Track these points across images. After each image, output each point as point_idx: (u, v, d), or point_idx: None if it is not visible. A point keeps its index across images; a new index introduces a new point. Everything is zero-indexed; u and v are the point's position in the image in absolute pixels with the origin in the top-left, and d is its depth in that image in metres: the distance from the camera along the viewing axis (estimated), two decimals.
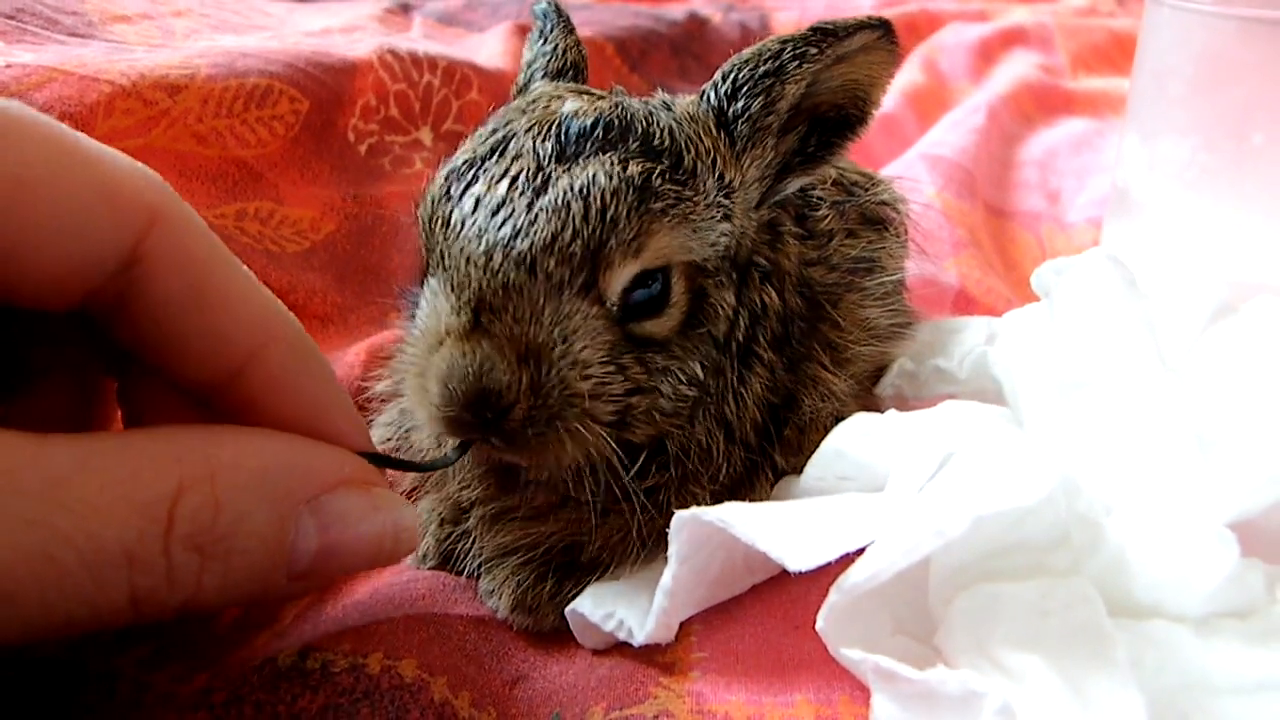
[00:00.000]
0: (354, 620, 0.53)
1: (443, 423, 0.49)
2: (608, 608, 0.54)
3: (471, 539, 0.58)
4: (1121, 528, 0.49)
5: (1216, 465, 0.51)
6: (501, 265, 0.48)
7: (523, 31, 1.43)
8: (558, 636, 0.57)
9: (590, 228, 0.48)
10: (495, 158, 0.51)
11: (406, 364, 0.52)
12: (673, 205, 0.51)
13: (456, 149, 0.56)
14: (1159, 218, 0.94)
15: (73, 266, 0.37)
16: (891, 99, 1.44)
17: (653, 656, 0.54)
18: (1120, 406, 0.56)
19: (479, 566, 0.59)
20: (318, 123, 0.99)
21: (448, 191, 0.51)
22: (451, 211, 0.50)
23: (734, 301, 0.55)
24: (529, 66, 0.64)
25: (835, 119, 0.57)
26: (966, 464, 0.50)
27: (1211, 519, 0.48)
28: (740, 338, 0.56)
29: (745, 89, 0.53)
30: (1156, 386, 0.56)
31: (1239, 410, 0.53)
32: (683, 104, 0.56)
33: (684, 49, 1.59)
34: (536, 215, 0.48)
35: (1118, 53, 1.73)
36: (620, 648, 0.55)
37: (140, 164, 0.39)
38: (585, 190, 0.48)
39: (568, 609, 0.55)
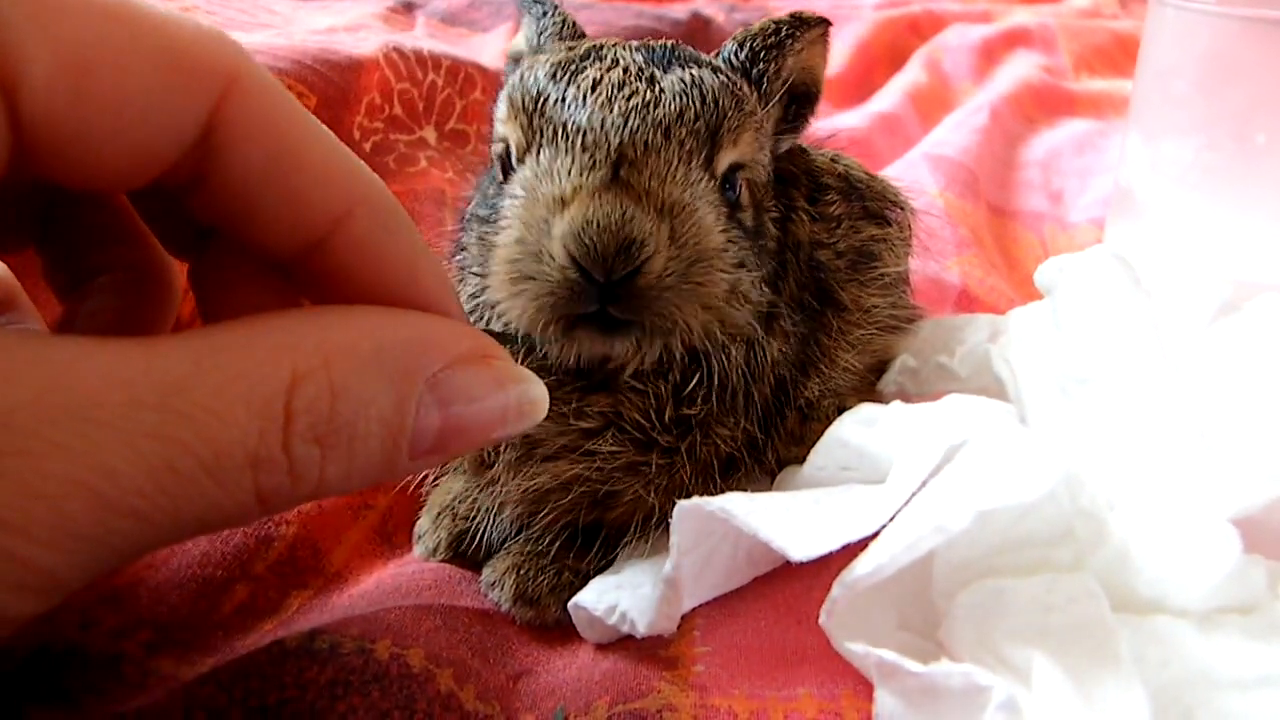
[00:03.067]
0: (361, 609, 0.53)
1: (565, 291, 0.48)
2: (610, 600, 0.54)
3: (500, 488, 0.57)
4: (1125, 523, 0.50)
5: (1219, 461, 0.51)
6: (640, 127, 0.49)
7: None
8: (561, 631, 0.57)
9: (709, 111, 0.52)
10: (592, 60, 0.53)
11: (505, 243, 0.50)
12: (752, 115, 0.55)
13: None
14: (1162, 218, 0.94)
15: (147, 144, 0.35)
16: (894, 99, 1.44)
17: (656, 651, 0.54)
18: (1123, 403, 0.56)
19: (507, 522, 0.59)
20: (325, 120, 0.97)
21: (554, 75, 0.52)
22: (567, 90, 0.51)
23: (775, 232, 0.59)
24: (539, 35, 0.64)
25: (802, 94, 0.63)
26: (970, 459, 0.50)
27: (1214, 515, 0.48)
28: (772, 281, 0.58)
29: (761, 55, 0.59)
30: (1159, 383, 0.56)
31: (1241, 407, 0.54)
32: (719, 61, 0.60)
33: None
34: (660, 94, 0.51)
35: (1120, 54, 1.74)
36: (624, 642, 0.55)
37: (209, 25, 0.36)
38: (698, 83, 0.52)
39: (571, 603, 0.55)
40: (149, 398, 0.31)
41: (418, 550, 0.63)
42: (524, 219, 0.49)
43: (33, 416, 0.29)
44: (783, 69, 0.59)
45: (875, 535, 0.48)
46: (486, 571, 0.59)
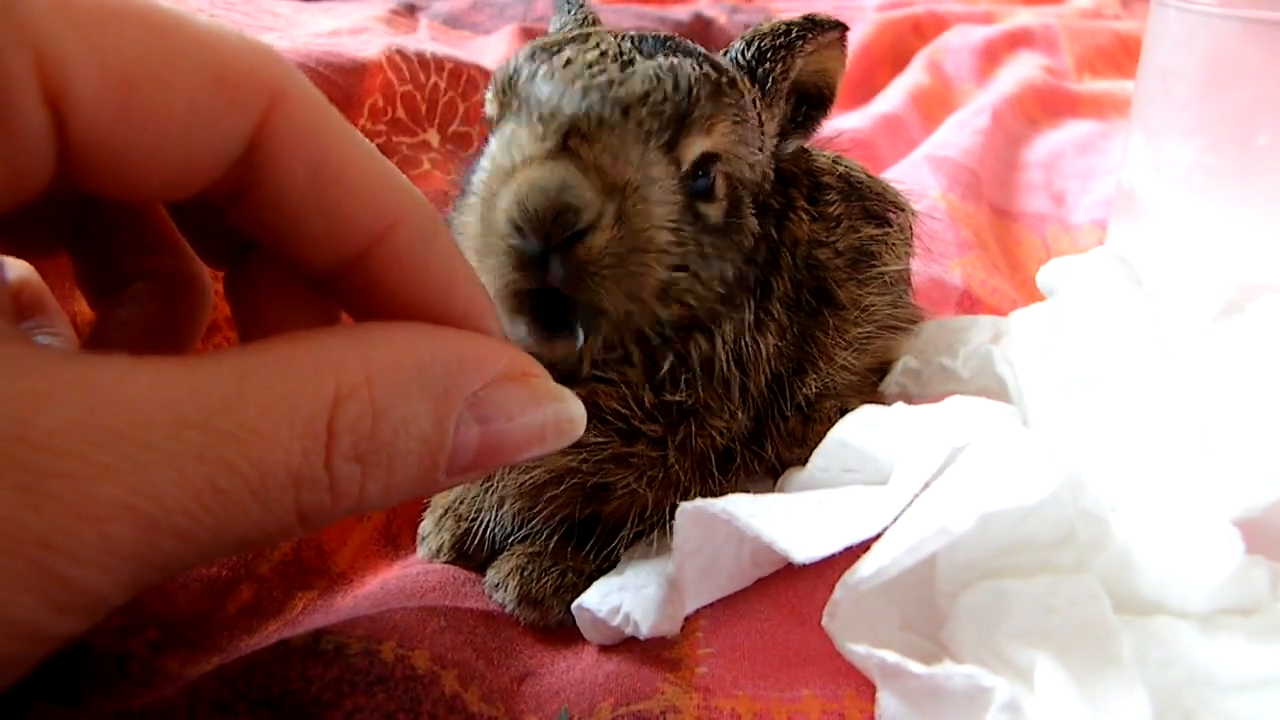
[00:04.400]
0: (366, 610, 0.53)
1: (509, 257, 0.47)
2: (613, 602, 0.54)
3: (497, 483, 0.58)
4: (1127, 525, 0.50)
5: (1221, 463, 0.51)
6: (598, 103, 0.49)
7: (527, 34, 1.43)
8: (565, 633, 0.57)
9: (679, 96, 0.51)
10: (578, 42, 0.53)
11: (469, 212, 0.51)
12: (733, 107, 0.54)
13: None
14: (1164, 219, 0.94)
15: (192, 159, 0.35)
16: (896, 100, 1.44)
17: (660, 653, 0.54)
18: (1126, 404, 0.56)
19: (508, 522, 0.59)
20: None
21: (533, 55, 0.52)
22: (540, 67, 0.51)
23: (759, 231, 0.58)
24: (560, 31, 0.65)
25: (814, 97, 0.63)
26: (973, 461, 0.50)
27: (1216, 516, 0.48)
28: (756, 279, 0.58)
29: (769, 54, 0.59)
30: (1162, 385, 0.57)
31: (1244, 408, 0.54)
32: (721, 57, 0.60)
33: None
34: (629, 76, 0.50)
35: (1123, 55, 1.74)
36: (628, 644, 0.55)
37: (254, 39, 0.36)
38: (674, 69, 0.51)
39: (574, 605, 0.56)
40: (194, 418, 0.31)
41: (421, 551, 0.63)
42: (482, 192, 0.49)
43: (78, 439, 0.29)
44: (790, 69, 0.59)
45: (878, 537, 0.48)
46: (490, 573, 0.59)
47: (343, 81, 1.01)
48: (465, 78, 1.16)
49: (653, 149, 0.50)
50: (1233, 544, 0.47)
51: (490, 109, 0.55)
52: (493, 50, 1.39)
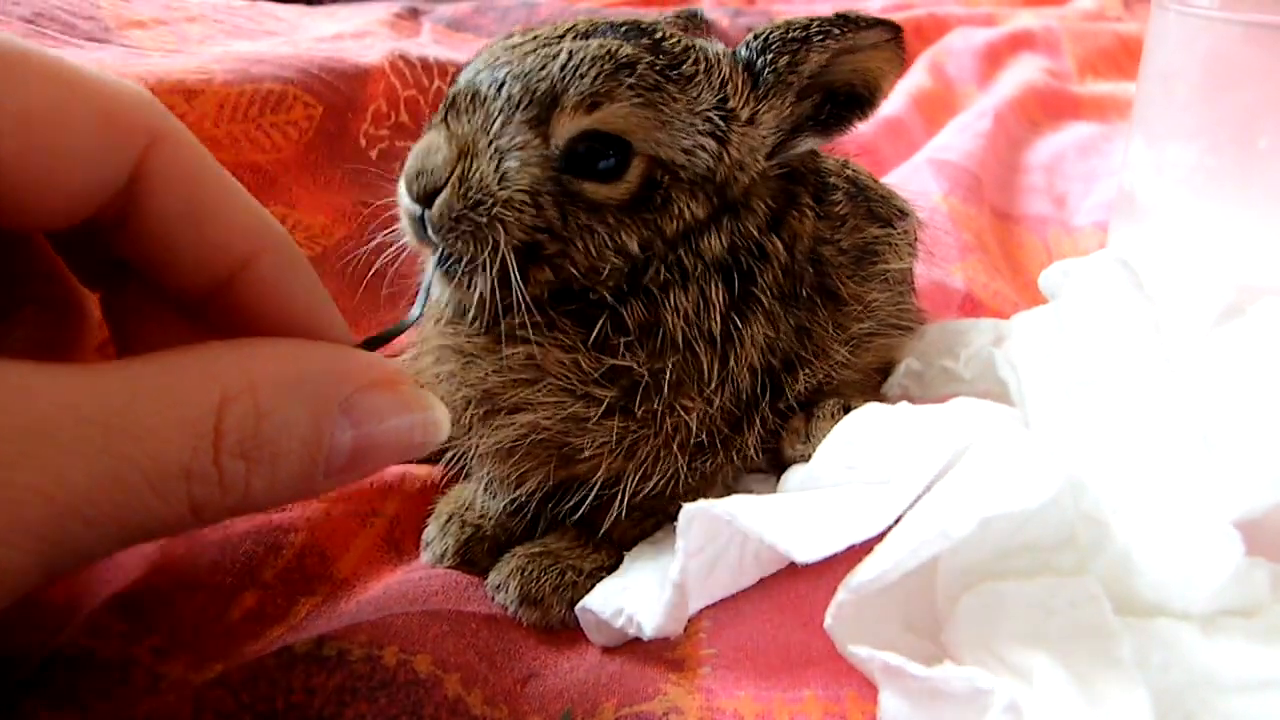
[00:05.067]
0: (368, 615, 0.53)
1: (405, 215, 0.55)
2: (616, 603, 0.54)
3: (474, 441, 0.59)
4: (1127, 527, 0.50)
5: (1222, 465, 0.51)
6: (475, 78, 0.55)
7: None
8: (568, 634, 0.57)
9: (561, 74, 0.54)
10: (532, 30, 0.58)
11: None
12: (647, 89, 0.55)
13: None
14: (1165, 222, 0.94)
15: (80, 191, 0.39)
16: (898, 103, 1.44)
17: (662, 654, 0.54)
18: (1126, 407, 0.57)
19: (504, 514, 0.62)
20: (331, 128, 1.00)
21: (491, 46, 0.58)
22: (479, 56, 0.58)
23: (701, 217, 0.58)
24: None
25: (847, 97, 0.61)
26: (974, 464, 0.50)
27: (1217, 518, 0.48)
28: (738, 269, 0.58)
29: (775, 46, 0.59)
30: (1163, 387, 0.57)
31: (1244, 411, 0.54)
32: (717, 46, 0.61)
33: None
34: (526, 57, 0.55)
35: (1124, 57, 1.74)
36: (630, 645, 0.55)
37: (136, 86, 0.41)
38: (575, 51, 0.54)
39: (578, 606, 0.56)
40: (95, 417, 0.34)
41: (425, 556, 0.63)
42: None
43: None
44: (802, 63, 0.58)
45: (880, 537, 0.49)
46: (492, 575, 0.60)
47: (345, 87, 1.02)
48: None
49: (516, 121, 0.54)
50: (1233, 546, 0.47)
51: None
52: None
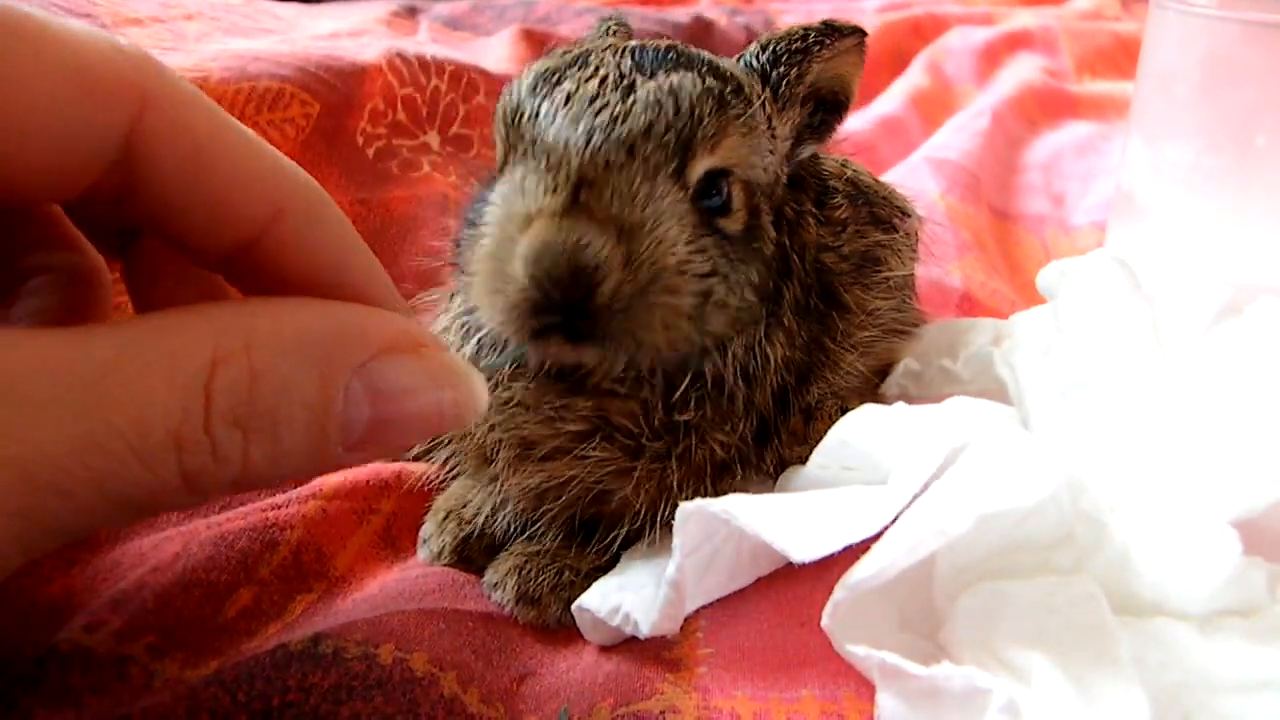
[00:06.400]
0: (364, 613, 0.53)
1: (526, 306, 0.49)
2: (613, 602, 0.54)
3: (500, 487, 0.59)
4: (1125, 526, 0.50)
5: (1219, 464, 0.51)
6: (602, 145, 0.49)
7: (528, 36, 1.43)
8: (565, 633, 0.57)
9: (681, 121, 0.51)
10: (578, 67, 0.54)
11: (482, 251, 0.51)
12: (742, 118, 0.55)
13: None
14: (1163, 221, 0.94)
15: (66, 163, 0.36)
16: (896, 102, 1.44)
17: (659, 653, 0.54)
18: (1124, 406, 0.57)
19: (507, 525, 0.60)
20: (328, 126, 0.99)
21: (535, 88, 0.53)
22: (542, 104, 0.52)
23: (775, 234, 0.59)
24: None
25: (830, 102, 0.63)
26: (971, 462, 0.50)
27: (1214, 517, 0.48)
28: (771, 284, 0.59)
29: (784, 59, 0.59)
30: (1160, 386, 0.57)
31: (1242, 410, 0.54)
32: (729, 60, 0.60)
33: None
34: (632, 107, 0.51)
35: (1122, 56, 1.74)
36: (627, 644, 0.55)
37: (125, 43, 0.37)
38: (675, 91, 0.52)
39: (575, 605, 0.56)
40: (75, 380, 0.32)
41: (422, 554, 0.63)
42: (496, 234, 0.51)
43: None
44: (806, 75, 0.60)
45: (877, 536, 0.49)
46: (489, 573, 0.60)
47: (342, 85, 1.02)
48: (466, 80, 1.16)
49: (661, 181, 0.51)
50: (1231, 545, 0.47)
51: (496, 138, 0.55)
52: (494, 52, 1.39)
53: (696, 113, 0.52)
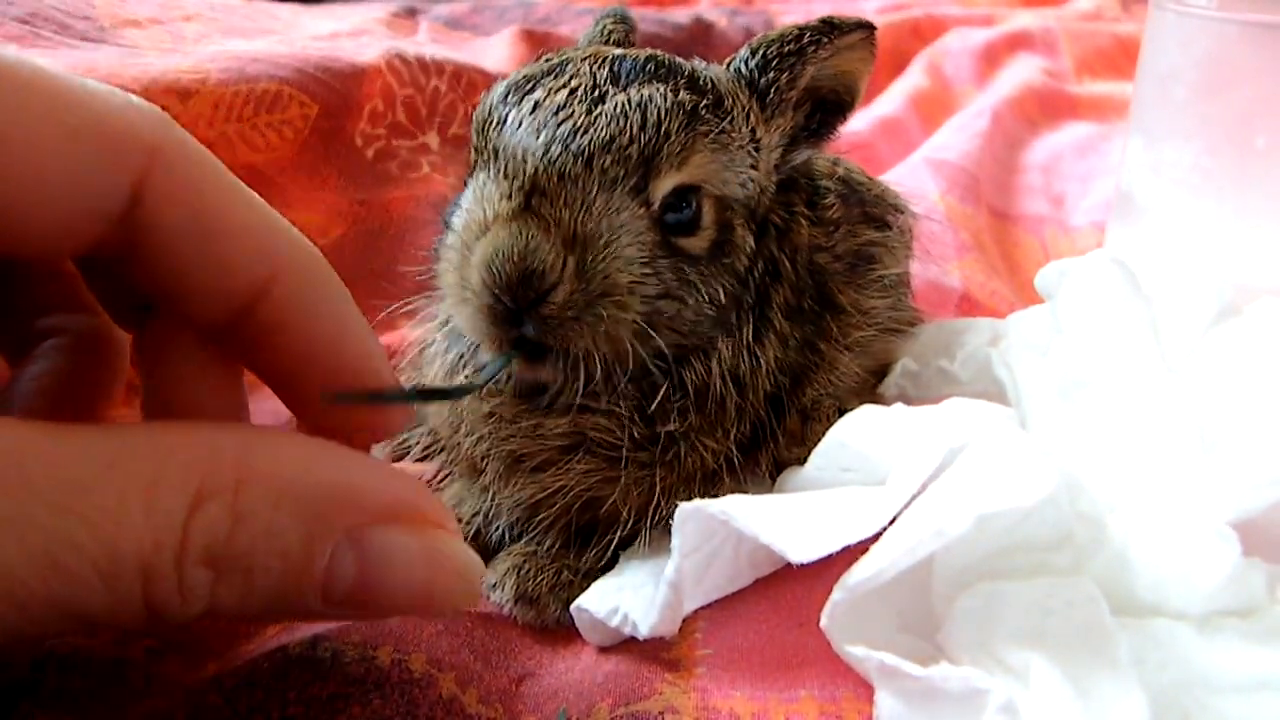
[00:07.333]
0: None
1: (484, 313, 0.50)
2: (612, 602, 0.54)
3: (492, 498, 0.59)
4: (1124, 527, 0.50)
5: (1218, 465, 0.51)
6: (559, 156, 0.50)
7: (528, 36, 1.44)
8: (564, 633, 0.57)
9: (646, 136, 0.51)
10: (553, 76, 0.54)
11: (447, 260, 0.52)
12: (713, 133, 0.54)
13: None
14: (1162, 222, 0.94)
15: (72, 217, 0.36)
16: (896, 103, 1.44)
17: (658, 653, 0.54)
18: (1123, 407, 0.57)
19: (501, 532, 0.60)
20: (326, 127, 1.00)
21: (505, 97, 0.54)
22: (509, 113, 0.52)
23: (754, 247, 0.58)
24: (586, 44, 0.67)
25: (832, 102, 0.62)
26: (970, 463, 0.50)
27: (1213, 518, 0.48)
28: (754, 294, 0.58)
29: (774, 63, 0.58)
30: (1159, 387, 0.57)
31: (1241, 411, 0.54)
32: (717, 68, 0.60)
33: (689, 53, 1.60)
34: (596, 119, 0.51)
35: (1122, 57, 1.74)
36: (626, 644, 0.55)
37: (135, 98, 0.38)
38: (643, 105, 0.52)
39: (573, 606, 0.56)
40: (47, 493, 0.30)
41: None
42: (458, 242, 0.51)
43: None
44: (799, 78, 0.58)
45: (875, 537, 0.49)
46: (487, 573, 0.59)
47: (341, 86, 1.02)
48: (465, 80, 1.16)
49: (618, 195, 0.51)
50: (1230, 546, 0.47)
51: (472, 144, 0.56)
52: (493, 52, 1.39)
53: (663, 128, 0.52)
